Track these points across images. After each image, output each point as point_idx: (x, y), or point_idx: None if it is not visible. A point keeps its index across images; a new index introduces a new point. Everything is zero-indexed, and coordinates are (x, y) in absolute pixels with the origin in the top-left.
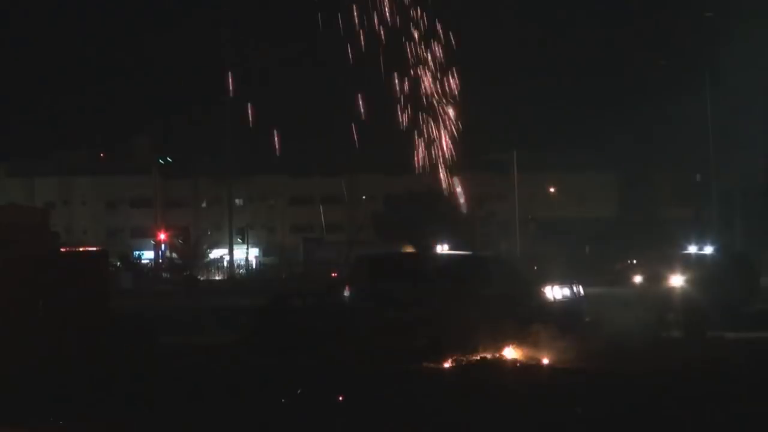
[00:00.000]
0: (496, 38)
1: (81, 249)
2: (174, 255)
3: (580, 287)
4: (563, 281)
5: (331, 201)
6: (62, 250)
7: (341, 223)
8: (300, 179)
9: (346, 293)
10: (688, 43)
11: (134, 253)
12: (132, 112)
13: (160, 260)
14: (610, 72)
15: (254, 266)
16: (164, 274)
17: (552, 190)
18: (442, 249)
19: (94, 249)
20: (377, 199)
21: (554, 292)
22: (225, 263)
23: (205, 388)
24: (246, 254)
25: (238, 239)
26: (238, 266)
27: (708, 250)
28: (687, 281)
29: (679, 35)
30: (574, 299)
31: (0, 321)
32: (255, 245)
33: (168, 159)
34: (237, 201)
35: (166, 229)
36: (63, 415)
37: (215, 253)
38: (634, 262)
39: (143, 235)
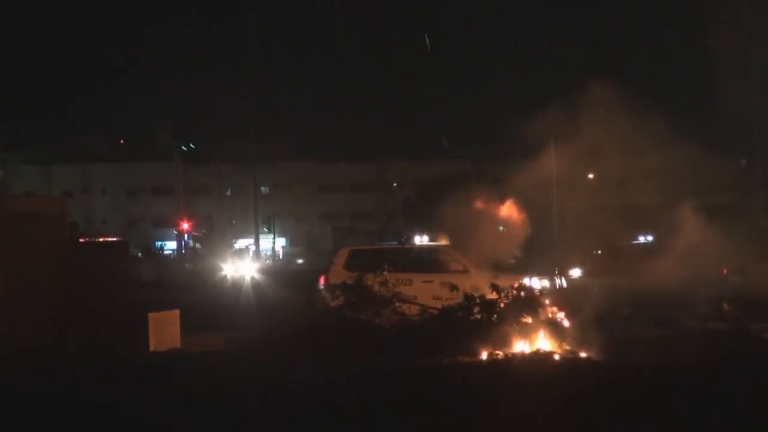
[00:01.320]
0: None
1: (101, 239)
2: (197, 245)
3: (563, 279)
4: (544, 272)
5: (360, 188)
6: (81, 240)
7: (371, 211)
8: (328, 165)
9: (321, 286)
10: (735, 24)
11: (156, 243)
12: (153, 97)
13: (183, 251)
14: (650, 52)
15: (281, 256)
16: (187, 265)
17: (591, 176)
18: (421, 241)
19: (115, 239)
20: (408, 186)
21: (533, 283)
22: (251, 254)
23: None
24: (272, 244)
25: (265, 228)
26: (266, 257)
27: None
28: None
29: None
30: (554, 290)
31: (18, 316)
32: (282, 235)
33: (190, 145)
34: (263, 189)
35: (189, 219)
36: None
37: (240, 243)
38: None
39: (165, 224)
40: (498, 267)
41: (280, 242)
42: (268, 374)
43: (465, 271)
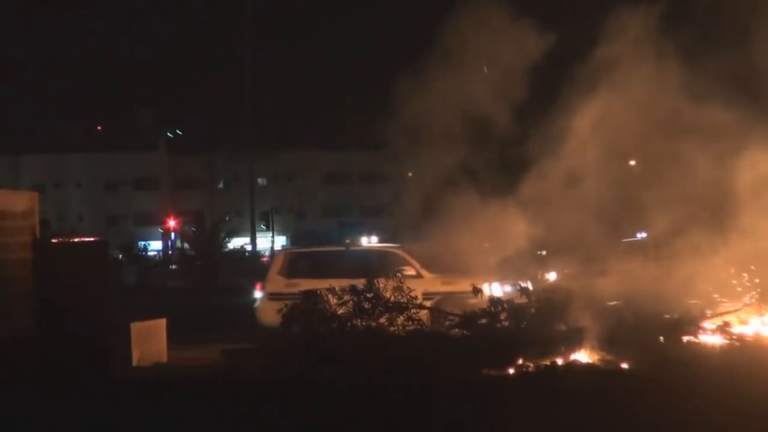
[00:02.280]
0: None
1: (76, 239)
2: (186, 245)
3: (529, 283)
4: (506, 277)
5: (371, 179)
6: (54, 241)
7: (384, 204)
8: (333, 154)
9: (258, 293)
10: None
11: (139, 243)
12: (134, 79)
13: (170, 251)
14: None
15: None
16: (174, 267)
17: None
18: (369, 242)
19: (92, 239)
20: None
21: (493, 289)
22: (247, 254)
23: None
24: (271, 243)
25: (262, 225)
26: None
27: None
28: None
29: None
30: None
31: None
32: (281, 232)
33: (177, 132)
34: (259, 180)
35: (177, 215)
36: None
37: (235, 243)
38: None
39: (149, 221)
40: (457, 270)
41: (280, 241)
42: (270, 391)
43: (417, 276)
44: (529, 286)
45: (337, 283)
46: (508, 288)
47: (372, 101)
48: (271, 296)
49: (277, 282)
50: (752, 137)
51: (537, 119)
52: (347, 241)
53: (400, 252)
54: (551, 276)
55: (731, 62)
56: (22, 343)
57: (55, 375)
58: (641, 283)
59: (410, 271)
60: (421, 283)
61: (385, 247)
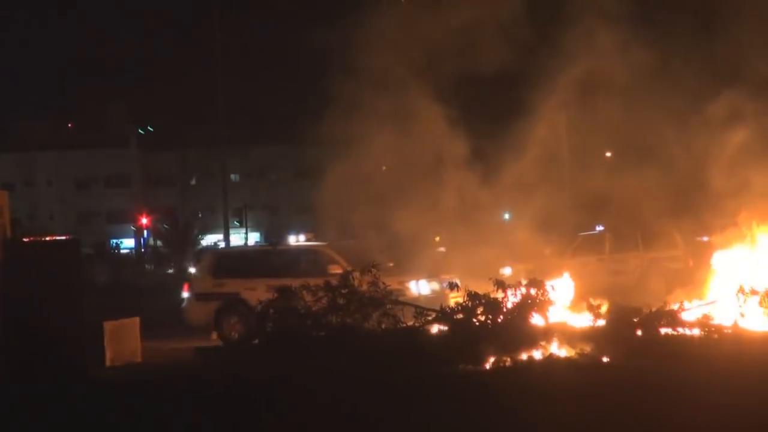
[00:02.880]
0: None
1: (48, 238)
2: (159, 243)
3: (456, 281)
4: (432, 275)
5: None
6: (25, 240)
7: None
8: (305, 150)
9: (185, 294)
10: None
11: (111, 241)
12: (104, 74)
13: (143, 249)
14: None
15: None
16: (147, 266)
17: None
18: (297, 241)
19: (64, 238)
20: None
21: (419, 287)
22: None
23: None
24: (245, 239)
25: (236, 222)
26: None
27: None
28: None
29: None
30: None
31: None
32: (255, 229)
33: (148, 128)
34: (232, 177)
35: (149, 212)
36: None
37: (208, 240)
38: None
39: (121, 219)
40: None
41: (254, 237)
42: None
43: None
44: (456, 283)
45: (265, 283)
46: (435, 285)
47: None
48: (198, 297)
49: (204, 282)
50: None
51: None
52: (272, 240)
53: (327, 250)
54: (506, 271)
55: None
56: None
57: (25, 375)
58: (598, 275)
59: (336, 269)
60: None
61: (312, 245)
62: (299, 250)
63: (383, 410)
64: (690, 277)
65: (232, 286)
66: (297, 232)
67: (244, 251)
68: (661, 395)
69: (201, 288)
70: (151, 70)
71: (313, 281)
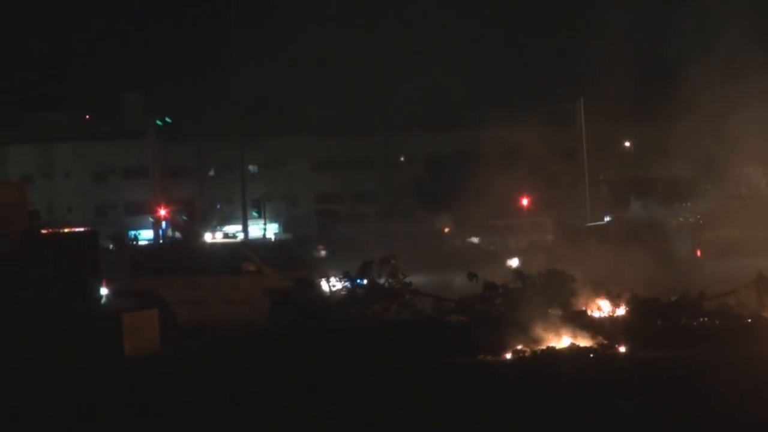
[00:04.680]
0: None
1: (66, 230)
2: (177, 234)
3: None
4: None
5: (363, 165)
6: (43, 231)
7: (375, 190)
8: (324, 140)
9: (104, 290)
10: None
11: (129, 233)
12: (121, 65)
13: (161, 240)
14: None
15: None
16: None
17: (627, 144)
18: (214, 237)
19: (82, 229)
20: (418, 161)
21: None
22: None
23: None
24: (263, 230)
25: (254, 213)
26: None
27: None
28: None
29: None
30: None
31: None
32: (274, 220)
33: (166, 119)
34: (251, 168)
35: (167, 204)
36: None
37: (226, 230)
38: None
39: (139, 211)
40: (299, 265)
41: (272, 228)
42: (264, 378)
43: (258, 272)
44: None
45: (182, 280)
46: (335, 282)
47: (364, 87)
48: (117, 293)
49: (123, 278)
50: None
51: None
52: (183, 217)
53: (242, 248)
54: (514, 262)
55: None
56: (11, 334)
57: (43, 366)
58: (605, 265)
59: (251, 267)
60: (262, 279)
61: (227, 242)
62: (216, 247)
63: (402, 400)
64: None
65: (149, 282)
66: (214, 231)
67: (162, 249)
68: (679, 385)
69: (119, 284)
70: (168, 61)
71: (228, 279)
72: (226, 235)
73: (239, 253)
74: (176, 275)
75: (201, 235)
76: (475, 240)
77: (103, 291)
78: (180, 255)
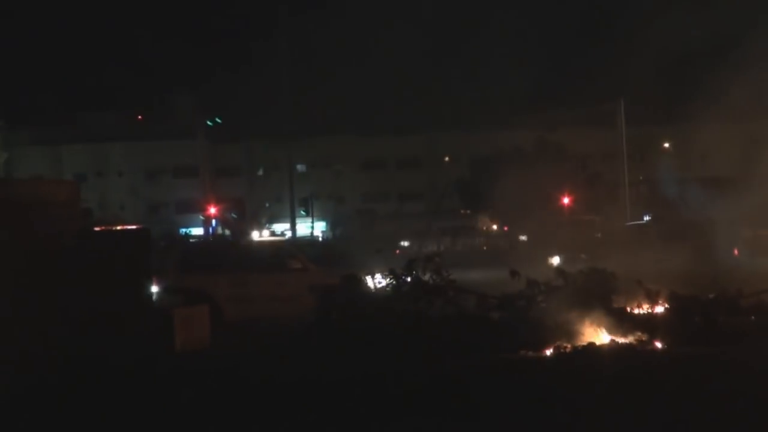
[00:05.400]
0: None
1: (118, 227)
2: (227, 232)
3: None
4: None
5: (408, 164)
6: (96, 229)
7: (421, 189)
8: (371, 140)
9: (154, 288)
10: None
11: (180, 230)
12: (172, 67)
13: (211, 238)
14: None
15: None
16: None
17: (666, 145)
18: (261, 236)
19: (134, 227)
20: (462, 162)
21: (376, 280)
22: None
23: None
24: (311, 228)
25: (302, 211)
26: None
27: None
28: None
29: None
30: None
31: (24, 313)
32: (321, 218)
33: (216, 120)
34: (299, 167)
35: (217, 202)
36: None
37: (275, 228)
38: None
39: (190, 209)
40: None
41: (320, 226)
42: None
43: (304, 269)
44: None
45: (230, 277)
46: (380, 279)
47: (409, 87)
48: (166, 290)
49: (172, 276)
50: None
51: None
52: (233, 215)
53: (288, 247)
54: (555, 260)
55: None
56: (65, 329)
57: (96, 362)
58: (644, 262)
59: (297, 265)
60: (307, 276)
61: (274, 241)
62: (262, 245)
63: (443, 393)
64: None
65: (197, 279)
66: (261, 229)
67: (211, 247)
68: (716, 381)
69: (169, 281)
70: (219, 63)
71: (274, 276)
72: (273, 234)
73: (285, 251)
74: (224, 273)
75: (250, 233)
76: (523, 238)
77: (154, 288)
78: (228, 253)
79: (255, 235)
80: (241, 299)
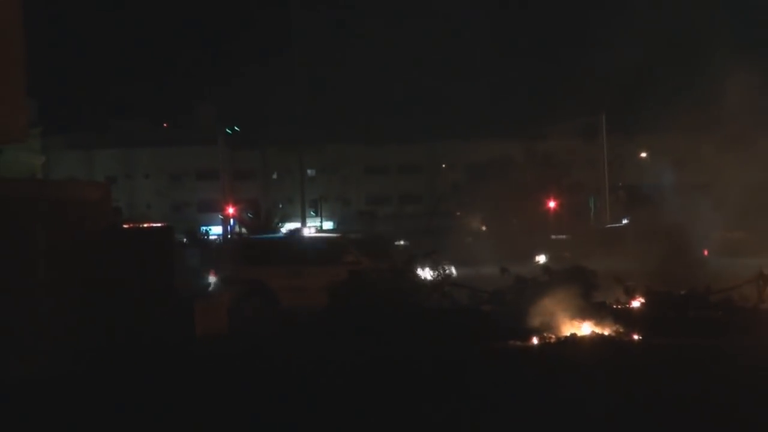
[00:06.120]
0: None
1: (145, 225)
2: (243, 230)
3: (452, 268)
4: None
5: (408, 170)
6: (125, 226)
7: (420, 193)
8: (375, 148)
9: (211, 278)
10: None
11: (201, 228)
12: (195, 80)
13: (229, 236)
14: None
15: None
16: None
17: (644, 155)
18: (309, 232)
19: (159, 225)
20: (458, 168)
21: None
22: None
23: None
24: (320, 227)
25: (311, 212)
26: None
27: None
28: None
29: None
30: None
31: (57, 303)
32: (329, 218)
33: (235, 128)
34: (309, 171)
35: (235, 203)
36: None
37: (287, 227)
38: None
39: (210, 209)
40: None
41: (328, 225)
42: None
43: (357, 262)
44: (452, 270)
45: (286, 269)
46: (429, 271)
47: (411, 98)
48: (225, 281)
49: (229, 268)
50: None
51: None
52: (291, 230)
53: (342, 241)
54: (542, 258)
55: None
56: (98, 317)
57: (125, 347)
58: (623, 261)
59: (351, 258)
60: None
61: (329, 235)
62: (318, 240)
63: (435, 382)
64: None
65: (255, 272)
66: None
67: (268, 241)
68: (688, 369)
69: (227, 274)
70: (239, 77)
71: (329, 269)
72: (290, 231)
73: (339, 245)
74: (280, 265)
75: (264, 232)
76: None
77: (211, 279)
78: (283, 247)
79: (269, 232)
80: (295, 289)
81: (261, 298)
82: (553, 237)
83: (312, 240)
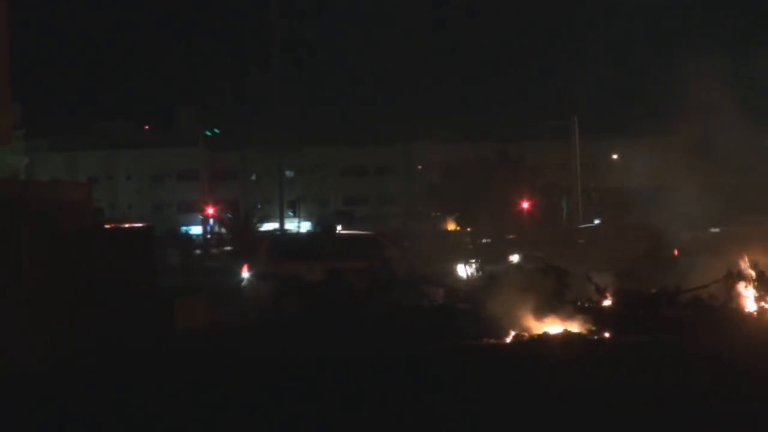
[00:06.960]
0: None
1: (126, 225)
2: (223, 230)
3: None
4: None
5: (385, 171)
6: (107, 226)
7: (396, 194)
8: (352, 149)
9: (245, 274)
10: None
11: (182, 228)
12: (176, 83)
13: (208, 235)
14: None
15: None
16: (213, 250)
17: (615, 156)
18: (340, 229)
19: (140, 225)
20: (434, 169)
21: (458, 270)
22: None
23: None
24: (298, 228)
25: (290, 212)
26: None
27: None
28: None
29: None
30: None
31: (41, 301)
32: (307, 219)
33: (215, 130)
34: (287, 173)
35: (215, 203)
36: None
37: (266, 227)
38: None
39: (190, 209)
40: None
41: (306, 226)
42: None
43: (399, 257)
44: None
45: (319, 265)
46: (468, 269)
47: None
48: (257, 276)
49: (263, 263)
50: None
51: None
52: (324, 226)
53: (377, 237)
54: (515, 258)
55: None
56: (80, 315)
57: (106, 344)
58: (594, 261)
59: (390, 252)
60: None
61: (363, 233)
62: (351, 237)
63: (409, 379)
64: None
65: (287, 267)
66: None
67: (301, 236)
68: (656, 365)
69: (260, 269)
70: (218, 79)
71: (364, 265)
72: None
73: (374, 241)
74: (314, 260)
75: (244, 231)
76: (485, 240)
77: (244, 274)
78: (317, 242)
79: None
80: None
81: (299, 293)
82: (526, 237)
83: (345, 237)
